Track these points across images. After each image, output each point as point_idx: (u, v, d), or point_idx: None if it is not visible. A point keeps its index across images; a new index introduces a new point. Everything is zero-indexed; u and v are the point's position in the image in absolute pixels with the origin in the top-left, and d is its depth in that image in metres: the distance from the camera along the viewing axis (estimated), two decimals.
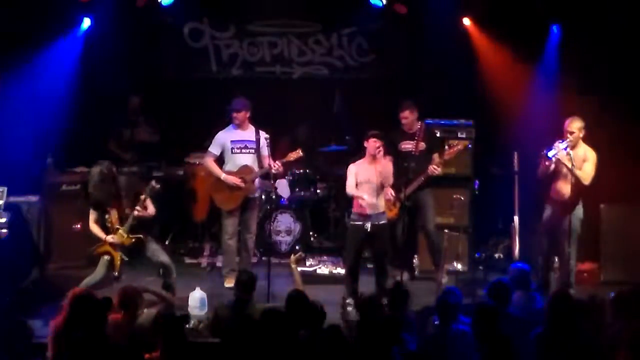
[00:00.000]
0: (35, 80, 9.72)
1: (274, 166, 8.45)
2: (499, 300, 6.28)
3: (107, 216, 7.73)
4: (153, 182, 7.85)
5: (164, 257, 7.94)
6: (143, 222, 7.86)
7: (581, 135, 8.09)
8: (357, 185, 7.92)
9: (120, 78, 10.00)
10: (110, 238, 7.70)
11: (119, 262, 7.71)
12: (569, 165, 7.99)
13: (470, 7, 9.89)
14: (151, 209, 7.83)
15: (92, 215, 7.79)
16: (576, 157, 8.05)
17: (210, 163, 8.73)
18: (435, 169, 8.53)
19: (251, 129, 8.67)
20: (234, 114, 8.62)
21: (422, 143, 8.74)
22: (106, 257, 7.72)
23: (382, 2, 9.83)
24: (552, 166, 8.11)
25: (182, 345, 5.48)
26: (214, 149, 8.71)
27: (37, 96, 9.75)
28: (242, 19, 10.51)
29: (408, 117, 8.74)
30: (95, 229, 7.77)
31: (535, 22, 9.67)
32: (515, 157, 8.41)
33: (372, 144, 7.84)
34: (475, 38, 10.00)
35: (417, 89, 9.98)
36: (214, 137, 8.76)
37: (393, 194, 8.11)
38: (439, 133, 9.25)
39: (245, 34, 10.66)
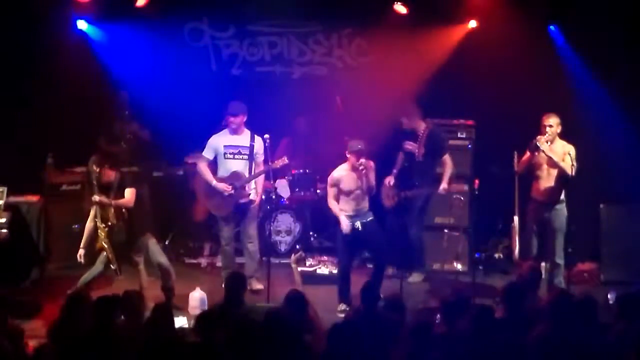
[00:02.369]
0: (34, 80, 9.76)
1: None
2: (512, 301, 6.25)
3: (101, 211, 7.69)
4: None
5: (162, 259, 7.93)
6: (138, 219, 7.85)
7: (558, 130, 8.13)
8: (340, 194, 7.95)
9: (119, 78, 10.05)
10: (78, 254, 7.67)
11: (112, 256, 7.67)
12: (555, 158, 8.01)
13: (472, 7, 9.89)
14: (127, 197, 7.67)
15: (92, 212, 7.76)
16: (556, 151, 8.09)
17: (203, 168, 8.63)
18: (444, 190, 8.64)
19: (246, 134, 8.57)
20: (231, 119, 8.50)
21: (423, 148, 8.76)
22: (104, 253, 7.71)
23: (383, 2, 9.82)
24: (534, 159, 8.14)
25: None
26: (207, 153, 8.61)
27: (37, 96, 9.78)
28: (242, 19, 10.49)
29: (405, 123, 8.86)
30: (89, 226, 7.72)
31: (534, 23, 9.67)
32: (515, 157, 8.41)
33: (355, 160, 7.83)
34: (476, 38, 10.00)
35: (417, 88, 9.99)
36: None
37: (391, 182, 8.14)
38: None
39: (245, 34, 10.65)
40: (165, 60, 10.48)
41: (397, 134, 8.91)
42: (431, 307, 7.48)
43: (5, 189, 8.50)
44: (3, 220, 8.35)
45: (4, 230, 8.31)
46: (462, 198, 8.92)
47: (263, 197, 9.62)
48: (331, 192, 8.01)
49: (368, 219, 8.00)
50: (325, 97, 10.35)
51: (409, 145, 8.83)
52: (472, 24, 10.01)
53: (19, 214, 8.70)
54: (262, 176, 8.63)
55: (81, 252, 7.68)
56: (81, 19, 10.03)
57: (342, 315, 7.73)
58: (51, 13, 9.66)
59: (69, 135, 9.74)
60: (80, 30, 10.05)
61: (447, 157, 8.81)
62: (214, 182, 8.51)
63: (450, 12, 9.93)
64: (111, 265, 7.69)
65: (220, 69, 10.70)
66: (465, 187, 9.13)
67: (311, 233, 10.06)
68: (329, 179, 8.05)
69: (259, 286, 8.38)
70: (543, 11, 9.62)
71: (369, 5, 10.14)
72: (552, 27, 9.78)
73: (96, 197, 7.55)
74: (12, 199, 8.65)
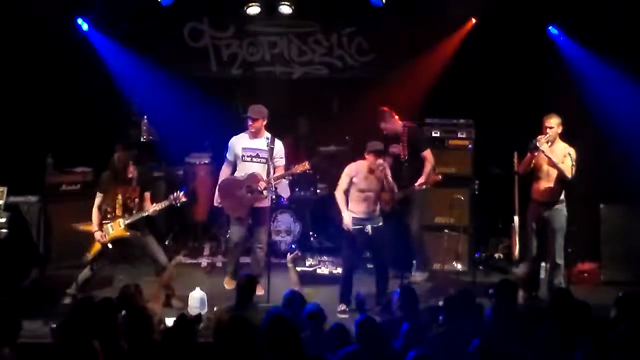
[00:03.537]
0: (35, 80, 9.75)
1: (261, 186, 8.33)
2: (506, 299, 6.26)
3: (109, 201, 7.86)
4: (181, 194, 7.93)
5: (162, 258, 7.98)
6: (145, 220, 7.97)
7: (559, 130, 8.11)
8: (351, 187, 7.92)
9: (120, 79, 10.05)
10: (98, 235, 7.82)
11: (98, 250, 7.87)
12: (554, 159, 8.00)
13: (474, 7, 9.90)
14: (152, 211, 7.92)
15: (98, 199, 7.91)
16: (556, 152, 8.07)
17: (222, 170, 8.63)
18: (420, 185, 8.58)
19: (266, 137, 8.50)
20: (250, 122, 8.40)
21: (406, 148, 8.74)
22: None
23: (382, 1, 9.81)
24: (534, 160, 8.11)
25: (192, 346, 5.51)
26: (228, 154, 8.57)
27: (37, 96, 9.78)
28: (242, 19, 10.49)
29: (384, 127, 8.82)
30: (95, 215, 7.87)
31: (534, 23, 9.67)
32: (515, 157, 8.40)
33: (372, 160, 7.82)
34: (476, 38, 10.01)
35: (417, 88, 10.00)
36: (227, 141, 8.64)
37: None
38: (439, 133, 9.29)
39: (245, 34, 10.65)
40: (165, 60, 10.50)
41: (383, 140, 8.88)
42: (433, 306, 7.46)
43: (5, 189, 8.49)
44: (3, 220, 8.35)
45: (4, 230, 8.30)
46: (462, 198, 8.91)
47: None
48: (344, 181, 7.94)
49: (378, 224, 7.97)
50: (325, 97, 10.35)
51: (394, 148, 8.80)
52: (472, 22, 10.02)
53: (19, 214, 8.69)
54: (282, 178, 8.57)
55: (98, 233, 7.84)
56: (82, 19, 10.03)
57: (342, 315, 7.72)
58: (52, 13, 9.65)
59: (69, 135, 9.75)
60: (81, 30, 10.05)
61: (427, 153, 8.75)
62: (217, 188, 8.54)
63: (451, 11, 9.93)
64: (87, 255, 7.87)
65: (220, 69, 10.70)
66: (465, 187, 9.10)
67: (311, 233, 10.05)
68: (347, 168, 8.00)
69: (259, 292, 8.36)
70: (543, 10, 9.61)
71: (369, 5, 10.13)
72: (551, 28, 9.76)
73: (153, 210, 7.84)
74: (12, 199, 8.64)
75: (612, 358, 5.36)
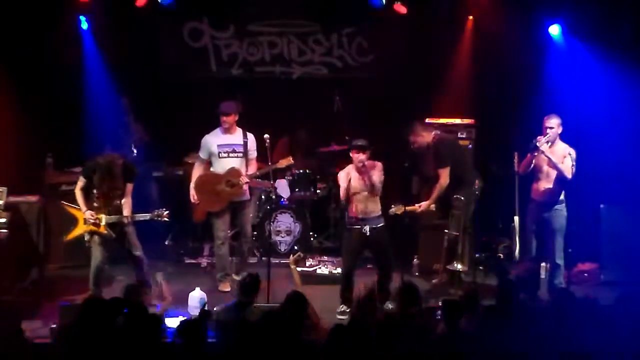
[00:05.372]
0: (35, 79, 9.76)
1: (243, 180, 8.36)
2: (505, 299, 6.26)
3: (94, 191, 7.81)
4: (165, 213, 7.94)
5: (138, 252, 7.97)
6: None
7: (559, 131, 8.11)
8: (350, 193, 7.87)
9: (120, 78, 10.03)
10: (89, 214, 7.76)
11: (75, 233, 7.88)
12: (554, 159, 8.00)
13: (473, 6, 9.90)
14: (130, 218, 7.88)
15: (80, 183, 7.88)
16: (556, 153, 8.08)
17: (195, 167, 8.68)
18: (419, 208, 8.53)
19: (239, 132, 8.56)
20: (224, 118, 8.48)
21: (432, 162, 8.64)
22: (95, 238, 7.83)
23: (383, 1, 9.80)
24: (534, 160, 8.12)
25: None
26: (202, 153, 8.62)
27: (37, 96, 9.78)
28: (242, 19, 10.49)
29: (414, 141, 8.59)
30: (79, 196, 7.85)
31: (534, 22, 9.67)
32: (515, 157, 8.40)
33: (355, 157, 7.75)
34: (477, 38, 10.01)
35: (417, 88, 9.99)
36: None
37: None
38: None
39: (245, 34, 10.65)
40: (165, 59, 10.50)
41: (413, 155, 8.81)
42: (431, 306, 7.46)
43: (5, 189, 8.48)
44: (3, 220, 8.34)
45: (4, 230, 8.30)
46: (462, 198, 8.90)
47: (263, 197, 9.66)
48: (343, 182, 7.85)
49: (378, 225, 7.90)
50: (325, 97, 10.35)
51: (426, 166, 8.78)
52: (470, 20, 10.02)
53: (19, 214, 8.69)
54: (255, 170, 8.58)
55: (88, 212, 7.78)
56: (82, 18, 10.02)
57: (342, 316, 7.70)
58: (52, 13, 9.65)
59: (69, 135, 9.75)
60: (82, 29, 10.04)
61: (442, 171, 8.46)
62: (192, 185, 8.56)
63: (451, 11, 9.93)
64: (65, 236, 8.02)
65: (220, 69, 10.70)
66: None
67: (311, 233, 10.04)
68: (339, 175, 7.95)
69: (226, 288, 8.44)
70: (543, 10, 9.61)
71: (369, 5, 10.12)
72: (552, 28, 9.75)
73: (125, 219, 7.77)
74: (12, 199, 8.64)
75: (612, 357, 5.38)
